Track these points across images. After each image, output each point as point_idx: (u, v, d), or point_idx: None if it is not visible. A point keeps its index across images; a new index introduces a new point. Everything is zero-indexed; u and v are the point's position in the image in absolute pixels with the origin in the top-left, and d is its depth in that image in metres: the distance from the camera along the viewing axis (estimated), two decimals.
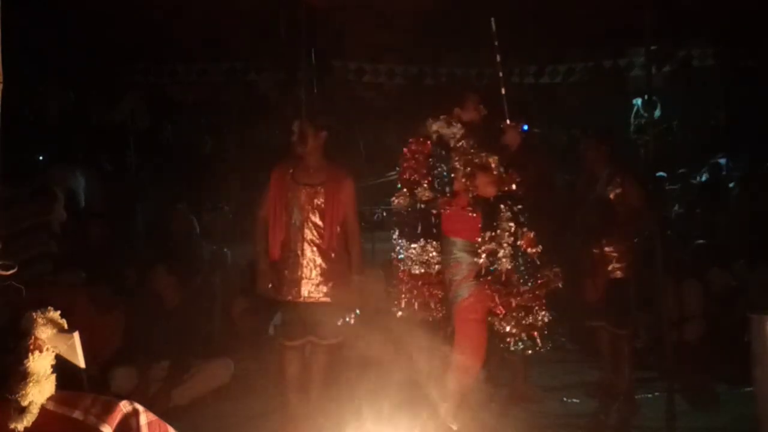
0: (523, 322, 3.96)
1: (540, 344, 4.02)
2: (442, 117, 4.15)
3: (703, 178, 10.14)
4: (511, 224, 3.97)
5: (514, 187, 4.01)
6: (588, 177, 5.06)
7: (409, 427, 3.79)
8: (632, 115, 11.21)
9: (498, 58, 4.20)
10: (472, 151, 4.01)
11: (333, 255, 4.60)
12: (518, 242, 3.97)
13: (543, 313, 4.00)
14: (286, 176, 4.65)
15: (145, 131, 9.94)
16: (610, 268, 4.85)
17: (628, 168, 5.24)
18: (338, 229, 4.62)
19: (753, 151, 9.81)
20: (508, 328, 3.95)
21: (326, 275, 4.57)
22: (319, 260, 4.57)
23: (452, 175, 4.01)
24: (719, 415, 5.09)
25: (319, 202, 4.59)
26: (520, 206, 4.01)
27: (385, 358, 4.69)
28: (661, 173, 8.73)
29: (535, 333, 3.99)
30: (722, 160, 10.32)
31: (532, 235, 3.97)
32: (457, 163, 4.01)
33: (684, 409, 4.95)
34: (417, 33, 8.12)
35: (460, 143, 4.05)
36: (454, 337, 4.12)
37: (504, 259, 3.94)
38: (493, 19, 4.20)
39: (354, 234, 4.72)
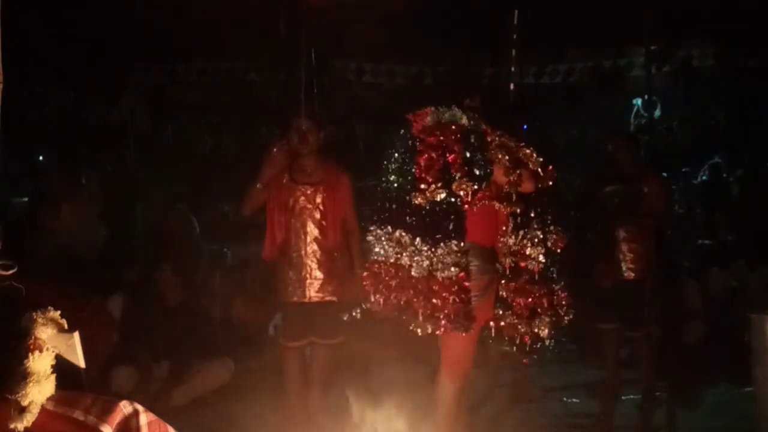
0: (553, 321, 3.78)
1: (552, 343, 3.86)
2: (453, 106, 3.75)
3: (704, 178, 10.15)
4: (540, 222, 3.78)
5: (550, 183, 3.75)
6: (612, 176, 4.97)
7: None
8: (632, 115, 11.22)
9: (513, 52, 4.06)
10: (512, 143, 3.71)
11: (336, 253, 4.60)
12: (548, 242, 3.76)
13: (571, 311, 3.80)
14: (284, 177, 4.65)
15: (145, 131, 9.95)
16: (627, 268, 4.80)
17: (654, 169, 5.20)
18: (339, 226, 4.62)
19: (753, 150, 9.82)
20: (540, 330, 3.73)
21: (331, 274, 4.57)
22: (323, 259, 4.57)
23: (490, 168, 3.62)
24: (719, 415, 5.09)
25: (320, 201, 4.59)
26: (546, 205, 3.82)
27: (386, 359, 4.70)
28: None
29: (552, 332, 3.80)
30: (718, 160, 10.33)
31: (562, 233, 3.79)
32: (497, 155, 3.64)
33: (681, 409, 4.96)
34: (417, 33, 8.12)
35: (495, 134, 3.72)
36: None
37: (537, 258, 3.73)
38: (516, 11, 4.04)
39: (354, 230, 4.73)
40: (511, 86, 4.03)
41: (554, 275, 3.78)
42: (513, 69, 4.04)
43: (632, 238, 4.80)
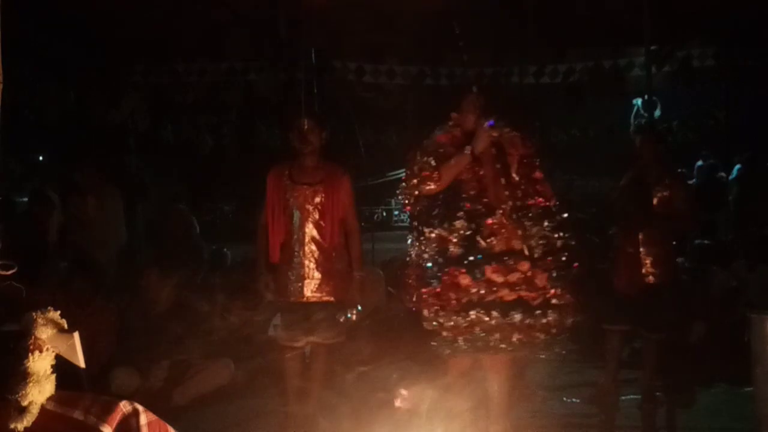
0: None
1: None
2: (439, 126, 4.07)
3: (695, 179, 10.16)
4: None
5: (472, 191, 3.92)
6: (635, 175, 4.87)
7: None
8: (632, 115, 11.22)
9: (464, 56, 4.13)
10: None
11: (334, 253, 4.60)
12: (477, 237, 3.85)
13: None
14: (284, 177, 4.65)
15: (145, 131, 9.95)
16: (648, 272, 4.70)
17: (678, 171, 5.12)
18: (339, 226, 4.62)
19: (753, 150, 9.82)
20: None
21: (329, 274, 4.57)
22: (321, 259, 4.57)
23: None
24: (719, 415, 5.09)
25: (318, 201, 4.59)
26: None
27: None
28: None
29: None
30: (713, 161, 10.34)
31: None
32: None
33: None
34: (417, 33, 8.12)
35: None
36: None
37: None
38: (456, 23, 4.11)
39: (353, 231, 4.72)
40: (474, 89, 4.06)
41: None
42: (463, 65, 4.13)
43: (654, 241, 4.71)
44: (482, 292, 3.77)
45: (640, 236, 4.72)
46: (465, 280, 3.77)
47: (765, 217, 7.72)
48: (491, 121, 3.88)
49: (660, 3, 6.95)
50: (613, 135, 11.36)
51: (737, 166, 9.60)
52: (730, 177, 9.74)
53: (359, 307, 4.69)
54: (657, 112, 9.74)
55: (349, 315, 4.62)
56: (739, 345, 4.51)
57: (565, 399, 5.44)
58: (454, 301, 3.80)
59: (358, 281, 4.67)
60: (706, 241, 7.39)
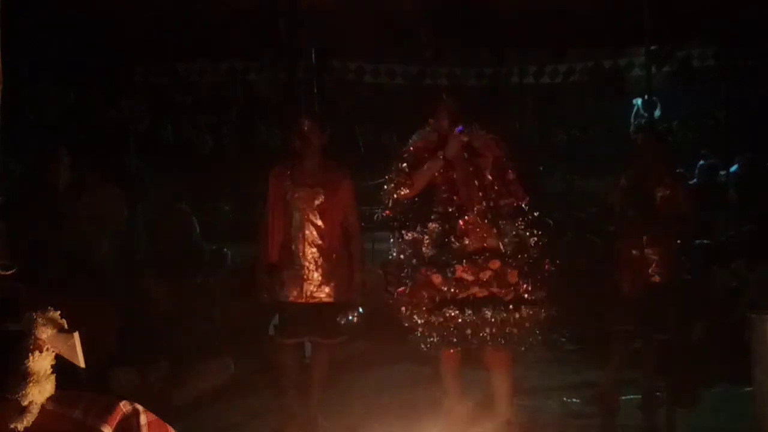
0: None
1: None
2: (419, 131, 4.27)
3: (695, 180, 10.14)
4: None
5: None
6: (636, 174, 4.89)
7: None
8: (632, 115, 11.23)
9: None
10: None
11: (334, 255, 4.59)
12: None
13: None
14: (285, 178, 4.64)
15: (145, 131, 9.95)
16: (654, 272, 4.72)
17: (679, 171, 5.14)
18: (339, 228, 4.61)
19: (753, 150, 9.80)
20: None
21: (328, 275, 4.56)
22: (320, 261, 4.56)
23: None
24: (719, 415, 5.09)
25: (319, 203, 4.58)
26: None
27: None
28: None
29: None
30: (713, 161, 10.31)
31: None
32: None
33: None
34: (417, 33, 8.13)
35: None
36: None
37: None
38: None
39: (354, 233, 4.71)
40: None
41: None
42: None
43: (656, 241, 4.72)
44: (453, 290, 3.94)
45: (643, 237, 4.72)
46: (437, 279, 3.95)
47: (765, 217, 7.70)
48: (460, 127, 4.03)
49: (660, 3, 6.95)
50: (613, 135, 11.37)
51: (736, 165, 9.60)
52: (730, 176, 9.73)
53: (360, 309, 4.69)
54: (657, 112, 9.75)
55: (349, 317, 4.62)
56: (739, 345, 4.51)
57: (565, 399, 5.44)
58: (427, 300, 3.98)
59: (359, 283, 4.67)
60: (706, 241, 7.39)
